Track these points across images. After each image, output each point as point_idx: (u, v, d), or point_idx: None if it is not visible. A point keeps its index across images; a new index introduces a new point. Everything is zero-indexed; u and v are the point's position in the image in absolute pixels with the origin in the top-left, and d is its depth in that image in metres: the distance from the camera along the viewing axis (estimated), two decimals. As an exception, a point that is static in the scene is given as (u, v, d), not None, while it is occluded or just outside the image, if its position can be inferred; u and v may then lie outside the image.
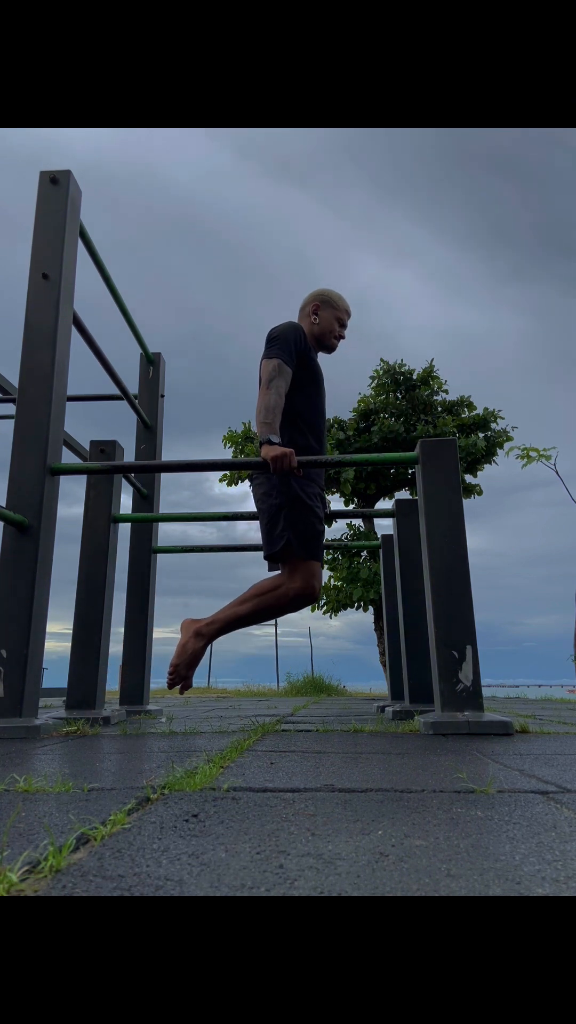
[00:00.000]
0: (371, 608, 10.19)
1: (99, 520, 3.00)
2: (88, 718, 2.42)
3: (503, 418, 10.61)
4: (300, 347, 2.39)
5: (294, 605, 2.29)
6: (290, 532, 2.26)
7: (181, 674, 2.31)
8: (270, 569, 2.42)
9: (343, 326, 2.58)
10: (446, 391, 10.96)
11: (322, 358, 2.62)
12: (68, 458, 3.41)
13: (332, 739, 1.85)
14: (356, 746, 1.66)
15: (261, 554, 2.42)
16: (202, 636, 2.30)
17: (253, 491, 2.45)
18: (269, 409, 2.19)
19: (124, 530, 3.41)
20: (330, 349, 2.57)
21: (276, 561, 2.34)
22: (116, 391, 3.38)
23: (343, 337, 2.58)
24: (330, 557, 10.59)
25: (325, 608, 10.36)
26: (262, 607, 2.28)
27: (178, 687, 2.35)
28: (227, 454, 10.94)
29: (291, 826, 0.78)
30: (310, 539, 2.29)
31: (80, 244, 2.72)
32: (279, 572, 2.34)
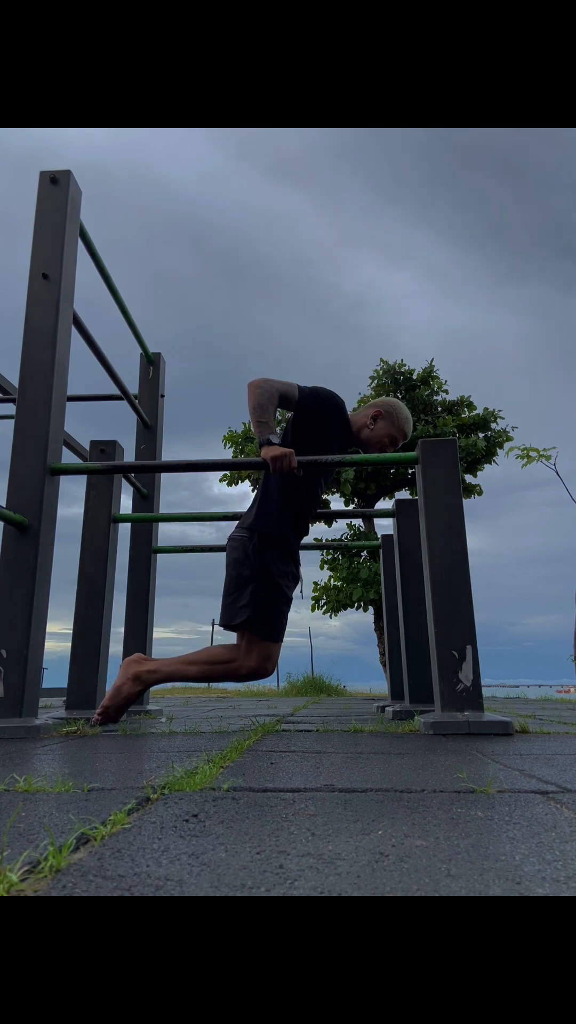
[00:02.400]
0: (371, 608, 10.19)
1: (99, 520, 3.00)
2: (88, 718, 2.42)
3: (503, 418, 10.62)
4: (322, 415, 2.33)
5: (243, 679, 2.24)
6: (251, 608, 2.18)
7: (110, 716, 2.25)
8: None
9: (393, 444, 2.50)
10: (446, 391, 10.97)
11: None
12: (68, 458, 3.41)
13: (332, 739, 1.85)
14: (356, 746, 1.66)
15: None
16: (140, 682, 2.23)
17: (226, 552, 2.35)
18: (260, 406, 2.15)
19: (124, 530, 3.41)
20: (367, 451, 2.50)
21: (230, 630, 2.26)
22: (116, 391, 3.37)
23: (386, 451, 2.50)
24: (330, 557, 10.60)
25: (325, 608, 10.36)
26: (210, 675, 2.22)
27: (97, 723, 2.25)
28: (227, 454, 10.94)
29: (291, 826, 0.78)
30: (270, 619, 2.21)
31: (80, 244, 2.72)
32: (232, 645, 2.25)
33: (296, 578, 2.40)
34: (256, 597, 2.20)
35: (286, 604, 2.29)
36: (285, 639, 2.31)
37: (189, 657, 2.26)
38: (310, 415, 2.35)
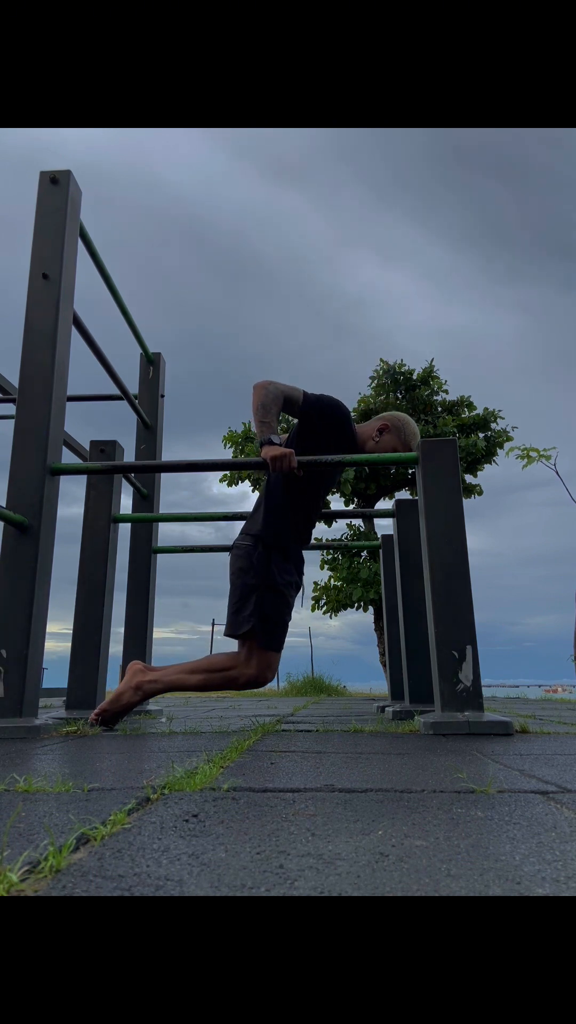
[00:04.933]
0: (371, 608, 10.19)
1: (99, 520, 3.00)
2: (88, 718, 2.42)
3: (503, 418, 10.61)
4: (326, 426, 2.32)
5: (243, 687, 2.25)
6: (256, 618, 2.19)
7: (107, 720, 2.24)
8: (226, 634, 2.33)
9: None
10: (446, 391, 10.97)
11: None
12: (68, 458, 3.41)
13: (332, 739, 1.85)
14: (356, 746, 1.66)
15: None
16: (140, 691, 2.23)
17: (230, 560, 2.35)
18: (264, 406, 2.15)
19: (124, 530, 3.41)
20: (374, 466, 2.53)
21: (236, 639, 2.26)
22: (116, 391, 3.37)
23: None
24: (330, 557, 10.60)
25: (325, 608, 10.36)
26: (210, 683, 2.22)
27: (94, 723, 2.24)
28: (227, 454, 10.94)
29: (291, 826, 0.78)
30: (275, 629, 2.22)
31: (80, 244, 2.72)
32: (232, 653, 2.26)
33: (298, 587, 2.41)
34: (261, 607, 2.21)
35: (288, 613, 2.30)
36: (285, 639, 2.31)
37: (189, 666, 2.26)
38: (314, 422, 2.33)
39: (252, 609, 2.20)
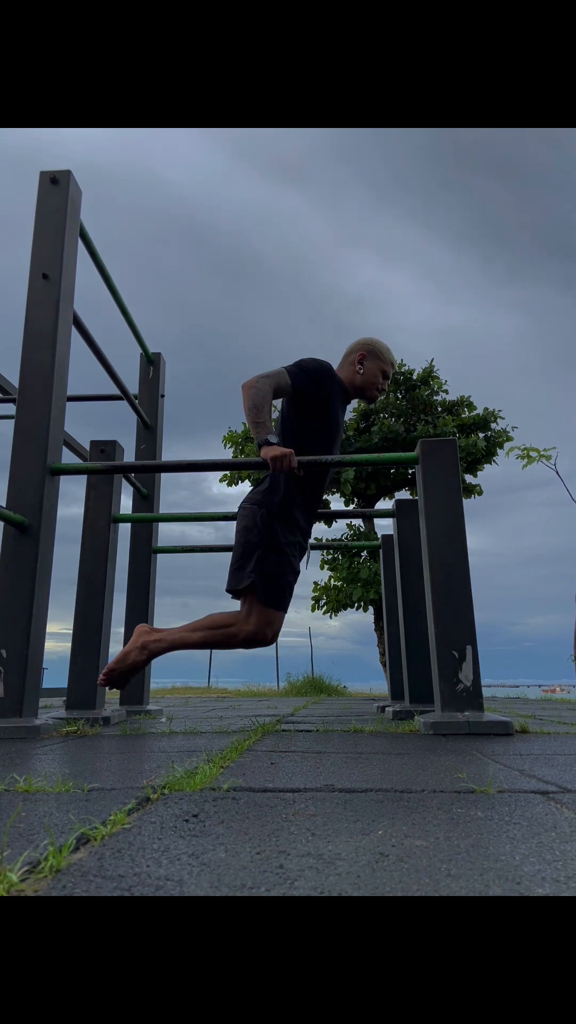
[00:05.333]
0: (371, 608, 10.19)
1: (99, 520, 3.00)
2: (88, 718, 2.42)
3: (503, 418, 10.61)
4: (321, 391, 2.32)
5: (244, 646, 2.25)
6: (257, 575, 2.20)
7: (114, 680, 2.26)
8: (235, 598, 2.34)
9: (386, 378, 2.52)
10: (446, 391, 10.96)
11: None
12: (68, 458, 3.41)
13: (332, 739, 1.85)
14: (356, 746, 1.66)
15: None
16: (146, 651, 2.25)
17: (237, 516, 2.37)
18: (256, 407, 2.15)
19: (124, 530, 3.41)
20: (371, 400, 2.51)
21: (236, 597, 2.28)
22: (116, 391, 3.37)
23: (384, 390, 2.53)
24: (330, 557, 10.60)
25: (325, 608, 10.36)
26: (211, 640, 2.24)
27: (104, 684, 2.30)
28: (227, 454, 10.94)
29: (291, 826, 0.78)
30: (277, 588, 2.23)
31: (80, 244, 2.72)
32: (234, 611, 2.27)
33: (303, 549, 2.41)
34: (262, 564, 2.22)
35: (292, 574, 2.30)
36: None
37: (192, 625, 2.28)
38: (309, 394, 2.33)
39: (253, 566, 2.22)
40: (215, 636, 2.24)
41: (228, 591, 2.28)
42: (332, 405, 2.36)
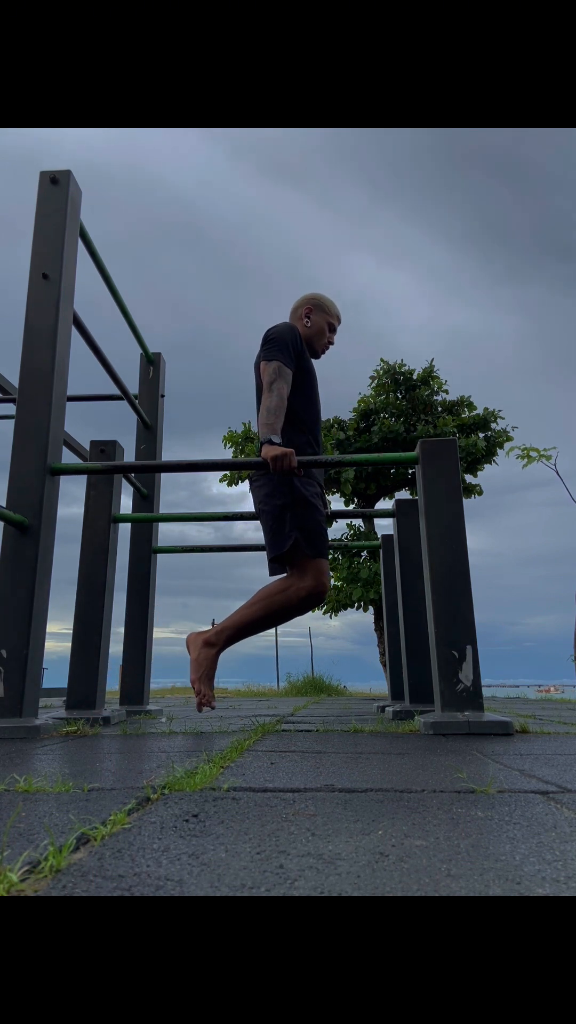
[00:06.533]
0: (371, 608, 10.19)
1: (99, 520, 3.00)
2: (88, 718, 2.42)
3: (503, 418, 10.61)
4: (297, 348, 2.40)
5: (304, 605, 2.26)
6: (297, 531, 2.25)
7: (199, 689, 2.28)
8: (272, 574, 2.38)
9: (333, 331, 2.60)
10: (446, 391, 10.96)
11: (320, 357, 2.63)
12: (68, 458, 3.41)
13: (332, 739, 1.85)
14: (356, 746, 1.66)
15: (259, 554, 2.41)
16: (212, 645, 2.27)
17: (254, 493, 2.42)
18: (271, 410, 2.20)
19: (124, 530, 3.40)
20: (318, 354, 2.60)
21: (283, 563, 2.30)
22: (116, 391, 3.37)
23: (332, 343, 2.61)
24: (330, 557, 10.61)
25: (325, 608, 10.36)
26: (272, 609, 2.25)
27: (207, 706, 2.31)
28: (227, 454, 10.94)
29: (291, 826, 0.78)
30: (317, 537, 2.28)
31: (80, 244, 2.72)
32: (284, 576, 2.31)
33: (323, 497, 2.46)
34: (297, 520, 2.26)
35: (324, 521, 2.36)
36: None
37: (247, 603, 2.31)
38: (300, 368, 2.42)
39: (291, 525, 2.26)
40: (275, 603, 2.26)
41: (272, 559, 2.31)
42: (305, 354, 2.47)
